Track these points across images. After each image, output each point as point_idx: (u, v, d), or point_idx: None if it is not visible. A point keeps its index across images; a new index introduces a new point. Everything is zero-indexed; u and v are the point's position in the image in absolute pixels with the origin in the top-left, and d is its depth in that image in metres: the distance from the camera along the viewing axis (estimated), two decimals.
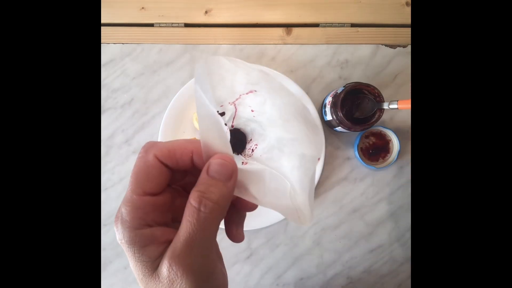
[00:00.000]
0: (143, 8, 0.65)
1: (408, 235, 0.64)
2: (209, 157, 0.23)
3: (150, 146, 0.24)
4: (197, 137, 0.63)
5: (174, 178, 0.25)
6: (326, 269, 0.64)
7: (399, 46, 0.65)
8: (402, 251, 0.64)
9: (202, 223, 0.22)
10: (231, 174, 0.23)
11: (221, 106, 0.28)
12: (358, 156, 0.62)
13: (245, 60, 0.64)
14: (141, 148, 0.24)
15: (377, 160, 0.63)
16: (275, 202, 0.25)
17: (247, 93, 0.27)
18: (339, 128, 0.58)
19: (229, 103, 0.28)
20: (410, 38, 0.65)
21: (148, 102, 0.64)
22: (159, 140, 0.60)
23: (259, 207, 0.28)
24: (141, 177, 0.23)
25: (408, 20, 0.65)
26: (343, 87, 0.56)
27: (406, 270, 0.64)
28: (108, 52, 0.64)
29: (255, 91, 0.27)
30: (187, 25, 0.66)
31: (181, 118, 0.62)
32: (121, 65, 0.64)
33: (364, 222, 0.64)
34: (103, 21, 0.65)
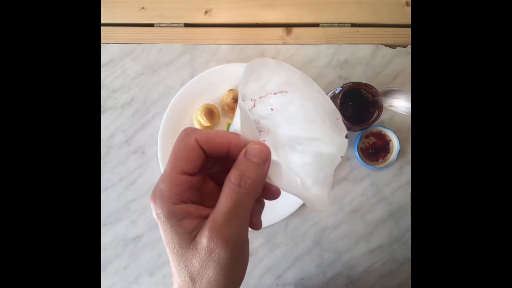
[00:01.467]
0: (143, 8, 0.65)
1: (408, 235, 0.64)
2: (245, 144, 0.26)
3: (191, 130, 0.26)
4: None
5: (205, 165, 0.27)
6: (326, 269, 0.64)
7: (399, 46, 0.65)
8: (402, 251, 0.64)
9: (241, 199, 0.25)
10: (266, 158, 0.26)
11: (243, 100, 0.30)
12: (358, 156, 0.62)
13: (245, 60, 0.64)
14: (181, 132, 0.27)
15: (377, 160, 0.63)
16: (292, 191, 0.28)
17: (275, 93, 0.30)
18: None
19: (251, 99, 0.30)
20: (410, 38, 0.65)
21: (148, 102, 0.64)
22: (158, 140, 0.61)
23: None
24: (182, 157, 0.26)
25: (408, 20, 0.65)
26: (341, 87, 0.56)
27: (406, 270, 0.64)
28: (108, 52, 0.64)
29: (286, 92, 0.30)
30: (187, 25, 0.66)
31: (181, 118, 0.62)
32: (121, 65, 0.64)
33: (364, 222, 0.64)
34: (103, 21, 0.65)
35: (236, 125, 0.27)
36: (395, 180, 0.64)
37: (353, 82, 0.55)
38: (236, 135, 0.27)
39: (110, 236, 0.64)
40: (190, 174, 0.26)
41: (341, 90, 0.54)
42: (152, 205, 0.26)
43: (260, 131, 0.31)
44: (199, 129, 0.27)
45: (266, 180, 0.27)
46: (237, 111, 0.27)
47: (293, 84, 0.30)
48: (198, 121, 0.61)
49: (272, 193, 0.30)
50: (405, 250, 0.64)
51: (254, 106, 0.30)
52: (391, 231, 0.64)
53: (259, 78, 0.29)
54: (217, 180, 0.29)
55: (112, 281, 0.64)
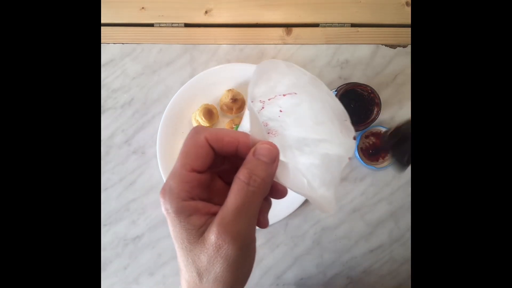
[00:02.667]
0: (143, 8, 0.65)
1: (408, 235, 0.64)
2: (254, 144, 0.26)
3: (201, 129, 0.27)
4: None
5: (214, 164, 0.28)
6: (326, 269, 0.64)
7: (399, 46, 0.65)
8: (402, 251, 0.64)
9: (250, 196, 0.25)
10: (275, 158, 0.26)
11: (252, 101, 0.30)
12: (358, 156, 0.62)
13: (245, 60, 0.64)
14: (191, 130, 0.27)
15: (377, 160, 0.63)
16: (299, 191, 0.28)
17: (284, 95, 0.30)
18: None
19: (260, 100, 0.30)
20: (410, 38, 0.65)
21: (148, 102, 0.64)
22: (157, 141, 0.61)
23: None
24: (192, 154, 0.26)
25: (408, 20, 0.65)
26: (335, 91, 0.55)
27: (406, 270, 0.64)
28: (108, 52, 0.64)
29: (295, 93, 0.30)
30: (187, 25, 0.66)
31: (180, 119, 0.62)
32: (121, 65, 0.64)
33: (364, 222, 0.64)
34: (103, 21, 0.65)
35: (245, 125, 0.28)
36: (395, 180, 0.64)
37: (346, 84, 0.55)
38: (245, 134, 0.27)
39: (110, 236, 0.64)
40: (199, 172, 0.26)
41: (336, 94, 0.54)
42: (161, 200, 0.26)
43: (268, 133, 0.31)
44: (208, 128, 0.27)
45: (274, 179, 0.27)
46: (246, 112, 0.27)
47: (302, 86, 0.30)
48: (197, 121, 0.61)
49: (279, 192, 0.30)
50: (405, 250, 0.64)
51: (263, 108, 0.30)
52: (391, 231, 0.64)
53: (268, 80, 0.30)
54: (225, 178, 0.29)
55: (112, 281, 0.64)
